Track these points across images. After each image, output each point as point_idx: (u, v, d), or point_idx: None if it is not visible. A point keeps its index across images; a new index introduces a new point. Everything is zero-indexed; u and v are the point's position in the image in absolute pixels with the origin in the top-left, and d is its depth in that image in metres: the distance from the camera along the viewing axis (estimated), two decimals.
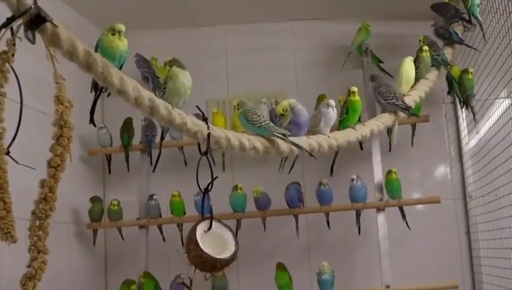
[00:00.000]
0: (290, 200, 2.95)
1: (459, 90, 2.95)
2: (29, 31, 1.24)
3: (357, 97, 2.64)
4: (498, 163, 2.57)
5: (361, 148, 3.09)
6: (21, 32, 1.25)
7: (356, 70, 3.24)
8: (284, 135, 2.08)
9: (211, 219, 1.96)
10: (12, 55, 1.27)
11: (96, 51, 1.56)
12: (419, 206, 3.09)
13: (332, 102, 2.43)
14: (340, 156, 3.01)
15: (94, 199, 3.06)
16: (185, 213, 3.04)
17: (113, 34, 1.66)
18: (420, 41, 2.91)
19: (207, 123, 1.83)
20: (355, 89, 2.65)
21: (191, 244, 1.86)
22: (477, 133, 2.95)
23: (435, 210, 3.03)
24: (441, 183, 3.19)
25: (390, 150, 3.03)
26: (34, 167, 1.45)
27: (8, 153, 1.31)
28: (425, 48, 2.82)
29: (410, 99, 2.68)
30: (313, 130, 2.36)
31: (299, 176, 3.07)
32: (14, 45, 1.26)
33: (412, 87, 2.77)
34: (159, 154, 3.06)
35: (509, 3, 2.31)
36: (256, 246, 3.15)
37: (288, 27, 3.44)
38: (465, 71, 2.90)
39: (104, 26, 1.78)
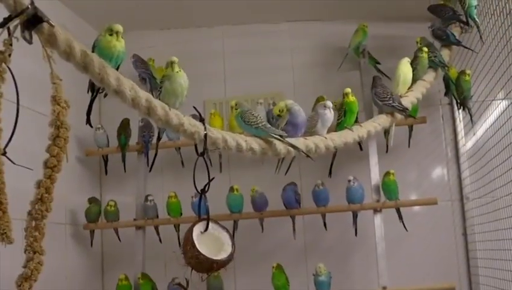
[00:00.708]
0: (287, 201, 2.95)
1: (456, 91, 2.95)
2: (26, 31, 1.24)
3: (352, 98, 2.66)
4: (495, 164, 2.57)
5: (361, 149, 3.09)
6: (18, 33, 1.25)
7: (353, 72, 3.24)
8: (281, 136, 2.08)
9: (208, 219, 1.95)
10: (9, 55, 1.27)
11: (93, 52, 1.56)
12: (416, 208, 3.08)
13: (329, 103, 2.44)
14: (337, 157, 3.01)
15: (92, 200, 3.06)
16: (181, 214, 3.04)
17: (110, 35, 1.66)
18: (417, 42, 2.92)
19: (204, 124, 1.83)
20: (348, 90, 2.68)
21: (187, 245, 1.86)
22: (474, 134, 2.95)
23: (431, 211, 3.03)
24: (438, 185, 3.19)
25: (387, 152, 3.03)
26: (30, 167, 1.45)
27: (4, 154, 1.31)
28: (425, 49, 2.83)
29: (407, 101, 2.68)
30: (310, 131, 2.36)
31: (296, 177, 3.07)
32: (11, 45, 1.26)
33: (409, 88, 2.77)
34: (155, 154, 3.06)
35: (507, 4, 2.31)
36: (253, 247, 3.15)
37: (286, 28, 3.44)
38: (462, 73, 2.90)
39: (101, 26, 1.78)
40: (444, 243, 3.09)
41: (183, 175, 3.13)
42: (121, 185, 3.29)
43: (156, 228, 3.10)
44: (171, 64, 1.88)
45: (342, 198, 2.92)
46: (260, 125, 2.07)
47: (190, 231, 1.89)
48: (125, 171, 3.16)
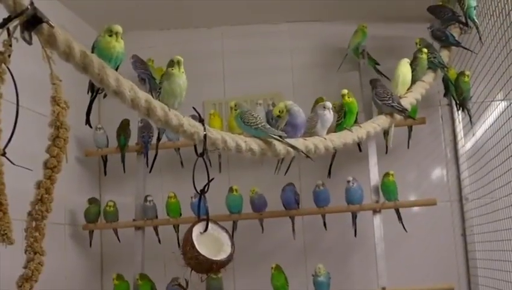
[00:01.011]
0: (287, 202, 2.95)
1: (456, 92, 2.96)
2: (26, 31, 1.24)
3: (351, 99, 2.67)
4: (494, 165, 2.57)
5: (360, 150, 3.09)
6: (17, 33, 1.25)
7: (352, 72, 3.24)
8: (280, 136, 2.08)
9: (207, 220, 1.95)
10: (9, 56, 1.27)
11: (92, 52, 1.56)
12: (416, 208, 3.08)
13: (328, 104, 2.44)
14: (337, 157, 3.01)
15: (92, 201, 3.06)
16: (181, 214, 3.04)
17: (110, 36, 1.65)
18: (417, 43, 2.92)
19: (203, 124, 1.83)
20: (345, 91, 2.70)
21: (187, 245, 1.86)
22: (473, 135, 2.95)
23: (431, 212, 3.03)
24: (437, 185, 3.19)
25: (386, 152, 3.02)
26: (30, 168, 1.45)
27: (4, 154, 1.31)
28: (425, 49, 2.83)
29: (407, 102, 2.69)
30: (310, 132, 2.36)
31: (296, 178, 3.08)
32: (11, 45, 1.26)
33: (408, 89, 2.78)
34: (156, 155, 3.06)
35: (506, 5, 2.31)
36: (252, 247, 3.15)
37: (285, 29, 3.44)
38: (461, 73, 2.91)
39: (100, 27, 1.78)
40: (443, 244, 3.09)
41: (182, 175, 3.13)
42: (120, 186, 3.29)
43: (155, 229, 3.10)
44: (177, 63, 1.88)
45: (341, 199, 2.92)
46: (260, 126, 2.07)
47: (189, 232, 1.89)
48: (124, 171, 3.16)
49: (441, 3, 3.00)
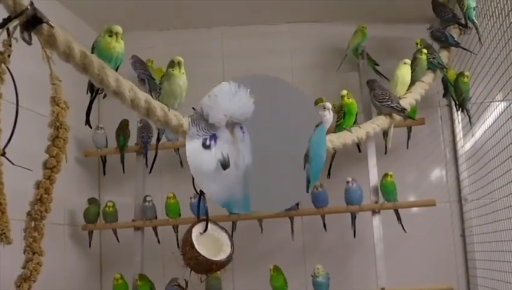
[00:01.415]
0: None
1: (455, 93, 2.96)
2: (26, 32, 1.25)
3: (351, 99, 2.67)
4: (493, 166, 2.57)
5: (359, 151, 3.09)
6: (17, 33, 1.25)
7: (352, 73, 3.24)
8: None
9: (207, 220, 1.95)
10: (9, 56, 1.27)
11: (92, 53, 1.56)
12: (415, 209, 3.08)
13: (328, 105, 2.44)
14: (336, 158, 3.01)
15: (92, 201, 3.05)
16: (180, 215, 3.04)
17: (110, 36, 1.66)
18: (417, 44, 2.92)
19: None
20: (344, 92, 2.71)
21: (186, 246, 1.86)
22: (472, 136, 2.95)
23: (430, 213, 3.03)
24: (437, 186, 3.19)
25: (386, 153, 3.02)
26: (29, 168, 1.45)
27: (4, 154, 1.31)
28: (424, 50, 2.84)
29: (406, 102, 2.69)
30: None
31: None
32: (10, 45, 1.26)
33: (407, 90, 2.78)
34: (155, 156, 3.06)
35: (505, 6, 2.31)
36: (251, 248, 3.15)
37: (285, 29, 3.44)
38: (460, 74, 2.91)
39: (100, 27, 1.78)
40: (442, 245, 3.09)
41: (182, 176, 3.12)
42: (119, 186, 3.29)
43: (155, 229, 3.10)
44: (177, 64, 1.87)
45: (340, 199, 2.92)
46: None
47: (189, 232, 1.89)
48: (123, 172, 3.16)
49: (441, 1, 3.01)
